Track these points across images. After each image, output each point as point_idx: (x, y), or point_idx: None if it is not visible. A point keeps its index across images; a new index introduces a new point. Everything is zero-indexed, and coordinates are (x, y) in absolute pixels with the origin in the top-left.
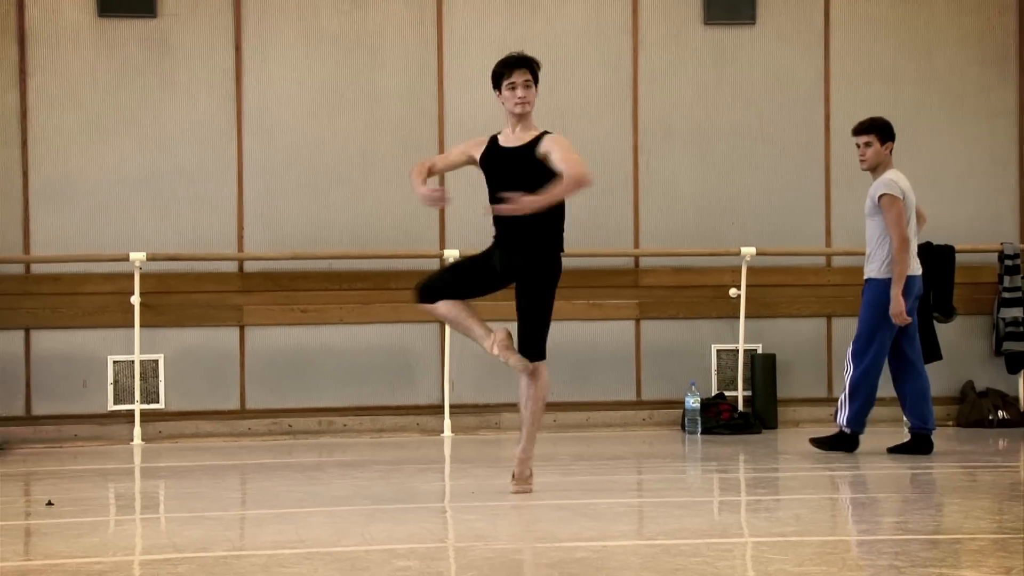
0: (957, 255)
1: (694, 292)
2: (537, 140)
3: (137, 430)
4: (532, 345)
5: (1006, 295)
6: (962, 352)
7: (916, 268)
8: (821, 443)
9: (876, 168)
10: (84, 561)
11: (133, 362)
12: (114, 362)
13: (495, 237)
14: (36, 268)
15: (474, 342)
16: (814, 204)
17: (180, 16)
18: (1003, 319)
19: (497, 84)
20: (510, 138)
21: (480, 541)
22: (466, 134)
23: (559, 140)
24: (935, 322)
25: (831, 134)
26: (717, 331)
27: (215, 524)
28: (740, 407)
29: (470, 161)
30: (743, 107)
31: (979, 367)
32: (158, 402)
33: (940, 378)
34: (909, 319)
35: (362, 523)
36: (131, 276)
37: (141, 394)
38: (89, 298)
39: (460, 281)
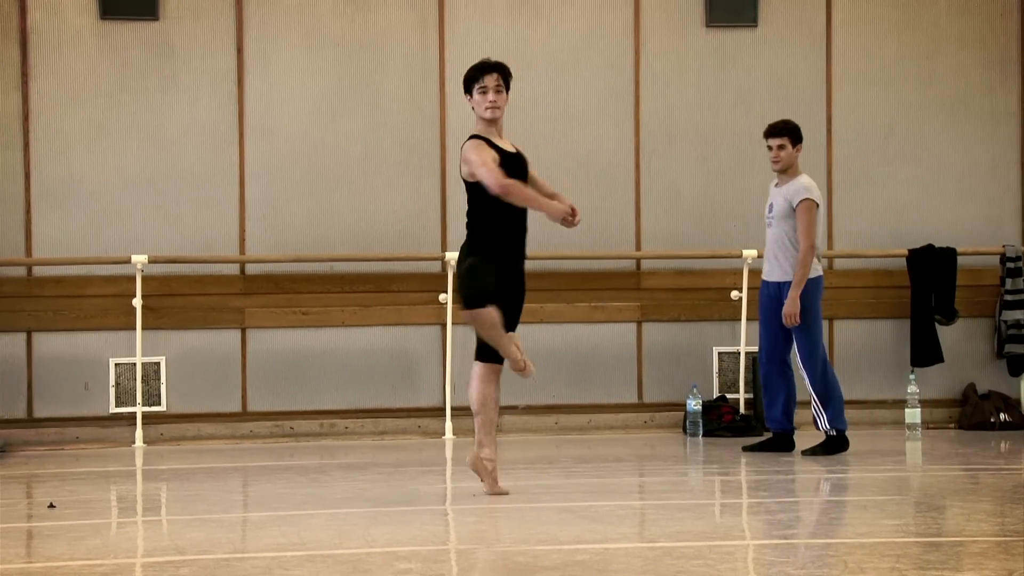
0: (959, 257)
1: (696, 294)
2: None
3: (139, 432)
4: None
5: (1008, 298)
6: (964, 354)
7: (820, 269)
8: (815, 451)
9: (787, 170)
10: (86, 563)
11: (135, 364)
12: (116, 364)
13: (509, 247)
14: (38, 271)
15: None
16: None
17: (182, 19)
18: (1005, 322)
19: (468, 88)
20: (505, 144)
21: (482, 543)
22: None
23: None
24: (936, 324)
25: (833, 136)
26: (719, 333)
27: (217, 526)
28: (742, 409)
29: None
30: (745, 109)
31: (981, 370)
32: (160, 404)
33: (942, 380)
34: (799, 321)
35: (364, 525)
36: (133, 279)
37: (143, 396)
38: (91, 300)
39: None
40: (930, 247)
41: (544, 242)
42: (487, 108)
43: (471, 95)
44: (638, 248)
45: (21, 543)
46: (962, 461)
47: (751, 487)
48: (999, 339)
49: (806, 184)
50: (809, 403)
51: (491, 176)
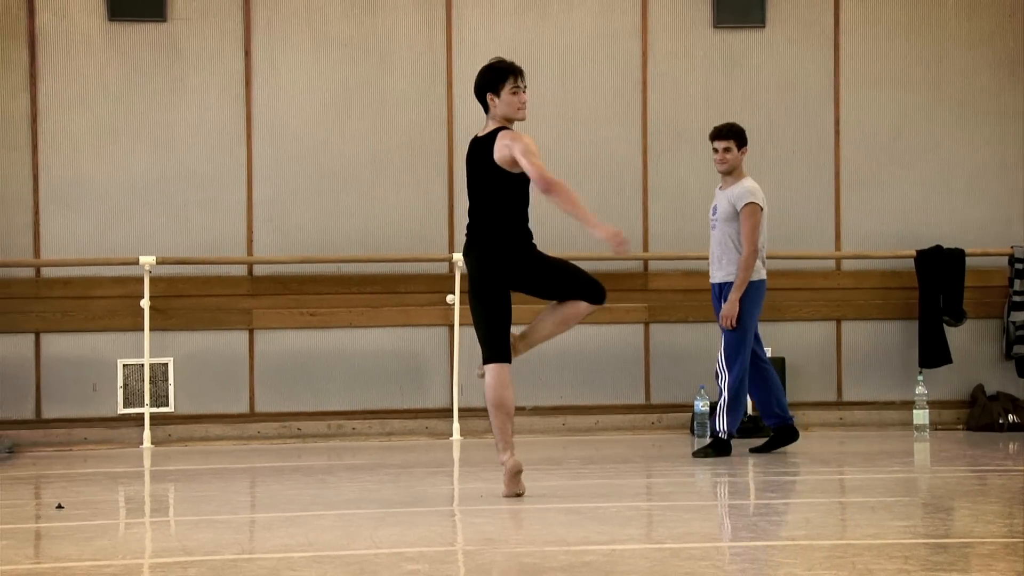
0: (967, 259)
1: (703, 296)
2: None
3: (147, 433)
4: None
5: (1016, 299)
6: (972, 356)
7: (763, 272)
8: (706, 452)
9: (731, 172)
10: (94, 564)
11: (143, 365)
12: (124, 366)
13: (526, 243)
14: (46, 272)
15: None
16: (824, 207)
17: (190, 20)
18: (1013, 323)
19: (495, 87)
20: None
21: (489, 545)
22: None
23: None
24: (945, 326)
25: (841, 137)
26: None
27: (225, 527)
28: (749, 410)
29: None
30: (752, 110)
31: (989, 371)
32: (168, 405)
33: (950, 382)
34: (735, 325)
35: (371, 526)
36: (141, 280)
37: (151, 397)
38: (99, 302)
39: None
40: (938, 248)
41: (550, 243)
42: (519, 108)
43: (497, 94)
44: (645, 249)
45: (29, 544)
46: (970, 462)
47: (759, 488)
48: (1007, 340)
49: (750, 187)
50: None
51: (540, 169)
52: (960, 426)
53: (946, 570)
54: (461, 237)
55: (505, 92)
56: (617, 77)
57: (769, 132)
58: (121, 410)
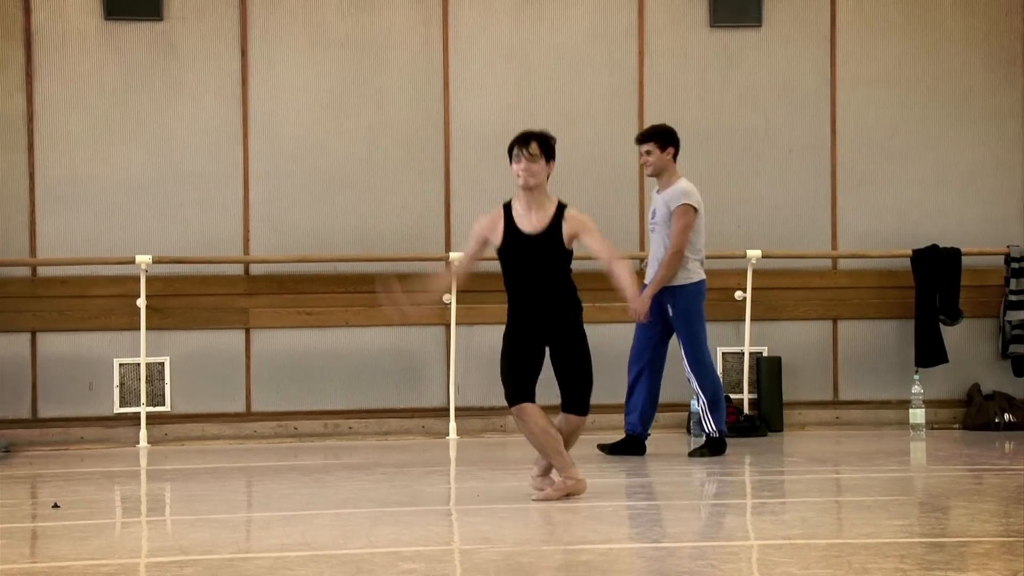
0: (963, 258)
1: None
2: (558, 220)
3: (143, 433)
4: (584, 399)
5: (1012, 298)
6: (968, 355)
7: (702, 273)
8: (701, 452)
9: (661, 174)
10: (90, 563)
11: (139, 365)
12: (120, 365)
13: (528, 312)
14: (42, 271)
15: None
16: (820, 207)
17: (186, 20)
18: (1009, 322)
19: (511, 161)
20: (529, 220)
21: (486, 544)
22: (472, 138)
23: (585, 222)
24: (941, 325)
25: (837, 136)
26: (723, 334)
27: (221, 527)
28: (746, 410)
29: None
30: (749, 110)
31: (985, 370)
32: (164, 405)
33: (946, 381)
34: (645, 320)
35: (368, 526)
36: (137, 279)
37: (147, 397)
38: (95, 301)
39: (531, 366)
40: (934, 247)
41: None
42: (518, 176)
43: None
44: (642, 248)
45: (25, 543)
46: (966, 461)
47: (755, 487)
48: (1003, 339)
49: (683, 189)
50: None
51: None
52: (956, 425)
53: (942, 569)
54: (457, 236)
55: (513, 161)
56: (614, 76)
57: (765, 131)
58: (117, 409)
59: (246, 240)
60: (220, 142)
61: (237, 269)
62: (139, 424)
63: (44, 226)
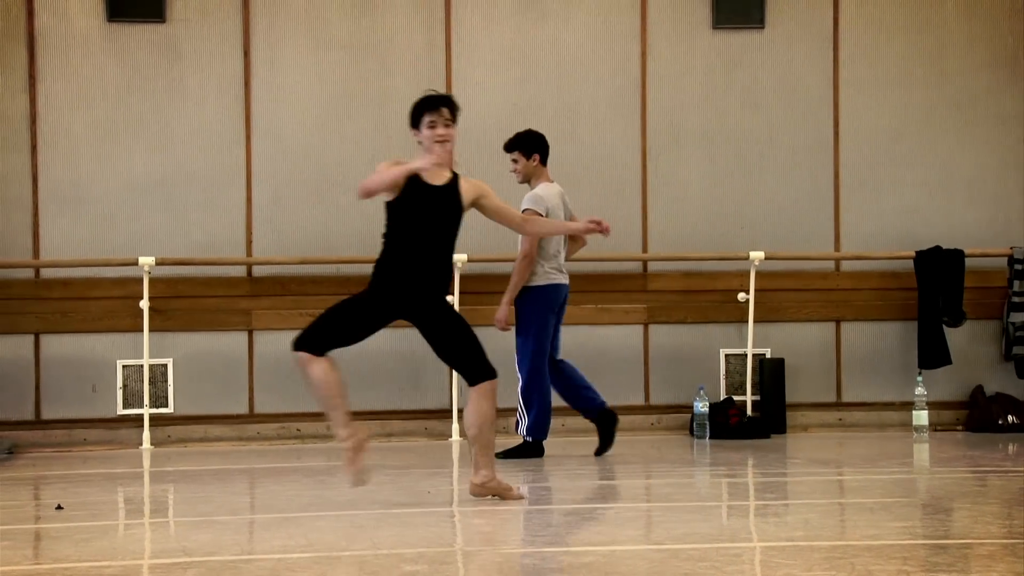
0: (966, 259)
1: (703, 296)
2: (456, 179)
3: (146, 434)
4: (482, 364)
5: (1016, 300)
6: (971, 357)
7: (563, 278)
8: (509, 454)
9: (530, 180)
10: (93, 565)
11: (142, 366)
12: (123, 366)
13: (403, 275)
14: (46, 273)
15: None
16: (823, 208)
17: (189, 21)
18: (1013, 324)
19: (415, 121)
20: (432, 175)
21: (488, 545)
22: (475, 139)
23: (485, 186)
24: (944, 327)
25: (840, 138)
26: (726, 335)
27: (224, 528)
28: (749, 411)
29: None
30: (752, 111)
31: (988, 372)
32: (167, 406)
33: (949, 383)
34: (508, 328)
35: (371, 527)
36: (140, 281)
37: (150, 398)
38: (98, 303)
39: (346, 327)
40: (937, 249)
41: None
42: (436, 142)
43: (417, 128)
44: (644, 250)
45: (28, 545)
46: (970, 463)
47: (758, 489)
48: (1007, 341)
49: (534, 194)
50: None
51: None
52: (959, 427)
53: (945, 571)
54: (461, 237)
55: (423, 126)
56: (616, 78)
57: (768, 133)
58: (120, 411)
59: (249, 242)
60: (223, 144)
61: (240, 271)
62: (142, 426)
63: (47, 228)
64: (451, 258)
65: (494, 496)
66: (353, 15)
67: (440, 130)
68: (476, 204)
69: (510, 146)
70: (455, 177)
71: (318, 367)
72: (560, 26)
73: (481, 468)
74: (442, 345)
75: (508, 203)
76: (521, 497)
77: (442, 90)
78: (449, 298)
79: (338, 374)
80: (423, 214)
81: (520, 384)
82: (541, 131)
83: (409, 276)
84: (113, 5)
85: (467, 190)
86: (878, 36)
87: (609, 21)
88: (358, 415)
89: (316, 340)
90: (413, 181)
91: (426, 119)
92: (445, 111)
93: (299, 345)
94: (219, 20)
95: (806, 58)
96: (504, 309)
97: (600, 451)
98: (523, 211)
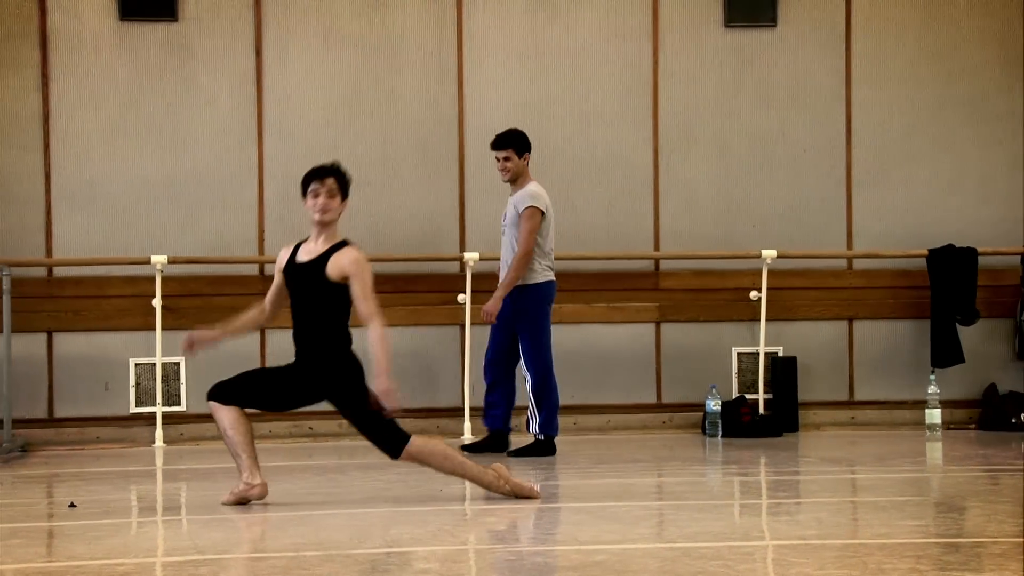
0: (979, 258)
1: (714, 295)
2: (329, 252)
3: (159, 432)
4: (390, 439)
5: None
6: (984, 355)
7: (550, 275)
8: (522, 452)
9: (517, 179)
10: (106, 563)
11: (155, 365)
12: (136, 365)
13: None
14: (58, 271)
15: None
16: (835, 207)
17: (201, 20)
18: None
19: (303, 195)
20: (308, 250)
21: (500, 543)
22: (486, 137)
23: (358, 264)
24: (957, 325)
25: (852, 136)
26: (738, 334)
27: (236, 526)
28: (761, 410)
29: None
30: (764, 110)
31: (1001, 370)
32: (179, 405)
33: (962, 382)
34: (494, 321)
35: (383, 525)
36: (153, 279)
37: (163, 396)
38: (111, 301)
39: (259, 389)
40: (950, 247)
41: (562, 242)
42: (317, 212)
43: (305, 201)
44: (656, 248)
45: (42, 542)
46: (982, 462)
47: (770, 488)
48: (1020, 340)
49: (532, 191)
50: (526, 406)
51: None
52: (972, 425)
53: (958, 570)
54: (473, 236)
55: (308, 199)
56: (628, 76)
57: (780, 131)
58: (133, 409)
59: (261, 240)
60: (235, 142)
61: (252, 269)
62: (155, 424)
63: (60, 226)
64: (322, 328)
65: (511, 495)
66: (365, 13)
67: (321, 200)
68: (346, 279)
69: (502, 144)
70: (332, 249)
71: (228, 414)
72: (571, 24)
73: (483, 483)
74: (354, 421)
75: (367, 292)
76: (536, 495)
77: (453, 88)
78: (461, 298)
79: (247, 424)
80: (291, 292)
81: (530, 383)
82: (553, 130)
83: (297, 352)
84: (125, 4)
85: (333, 265)
86: (890, 34)
87: (620, 19)
88: None
89: (222, 387)
90: (291, 258)
91: (310, 191)
92: (329, 181)
93: (209, 395)
94: (231, 19)
95: (818, 56)
96: (496, 303)
97: (467, 445)
98: (525, 208)
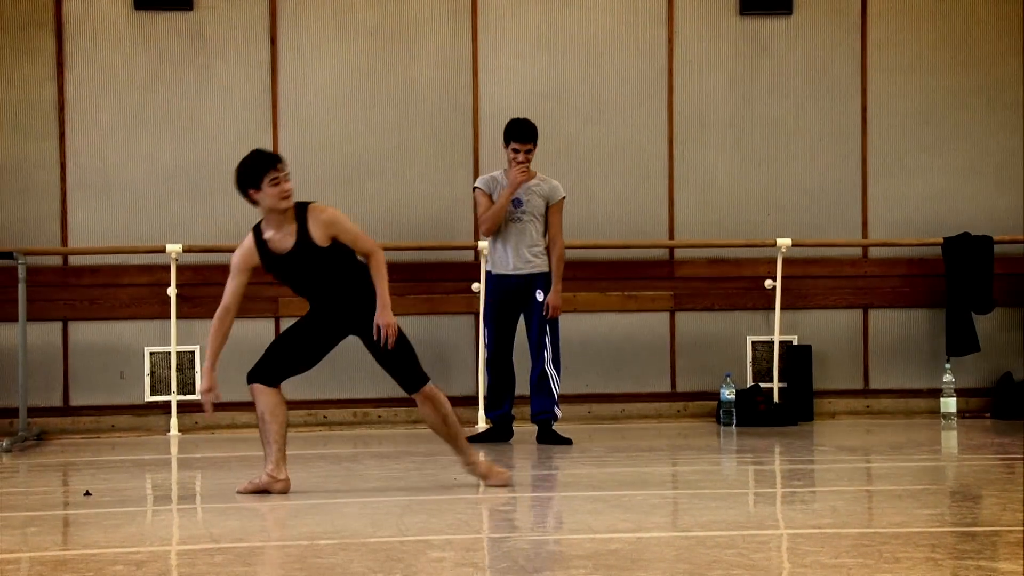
0: (995, 246)
1: (729, 284)
2: (304, 228)
3: (174, 421)
4: (411, 374)
5: None
6: (1000, 344)
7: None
8: (556, 439)
9: (528, 169)
10: (122, 551)
11: (170, 353)
12: (151, 353)
13: (322, 310)
14: (74, 260)
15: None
16: (850, 195)
17: (216, 9)
18: None
19: (256, 182)
20: (281, 240)
21: (515, 532)
22: (501, 126)
23: (334, 217)
24: (972, 314)
25: (868, 125)
26: (752, 323)
27: (251, 515)
28: (775, 399)
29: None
30: (779, 98)
31: (1017, 359)
32: (194, 393)
33: (978, 370)
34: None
35: (397, 514)
36: (168, 268)
37: (177, 385)
38: (126, 290)
39: (290, 351)
40: (966, 235)
41: (577, 231)
42: (283, 198)
43: (259, 188)
44: (671, 237)
45: (57, 530)
46: (998, 450)
47: (785, 476)
48: None
49: (558, 184)
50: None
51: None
52: (987, 414)
53: (974, 558)
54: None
55: (266, 184)
56: (643, 64)
57: (796, 119)
58: (148, 398)
59: None
60: (249, 131)
61: None
62: (170, 412)
63: (75, 215)
64: (347, 279)
65: (483, 478)
66: (379, 2)
67: (284, 185)
68: (333, 237)
69: (533, 136)
70: (301, 224)
71: (268, 399)
72: (587, 12)
73: (460, 456)
74: (377, 353)
75: (355, 235)
76: (507, 482)
77: (468, 77)
78: (475, 286)
79: (284, 415)
80: (290, 279)
81: (551, 357)
82: (568, 119)
83: (317, 310)
84: None
85: (317, 234)
86: (906, 21)
87: (636, 7)
88: (384, 401)
89: (262, 369)
90: (264, 253)
91: (268, 178)
92: (284, 165)
93: (250, 378)
94: (246, 7)
95: (833, 44)
96: (560, 296)
97: (472, 437)
98: (562, 198)
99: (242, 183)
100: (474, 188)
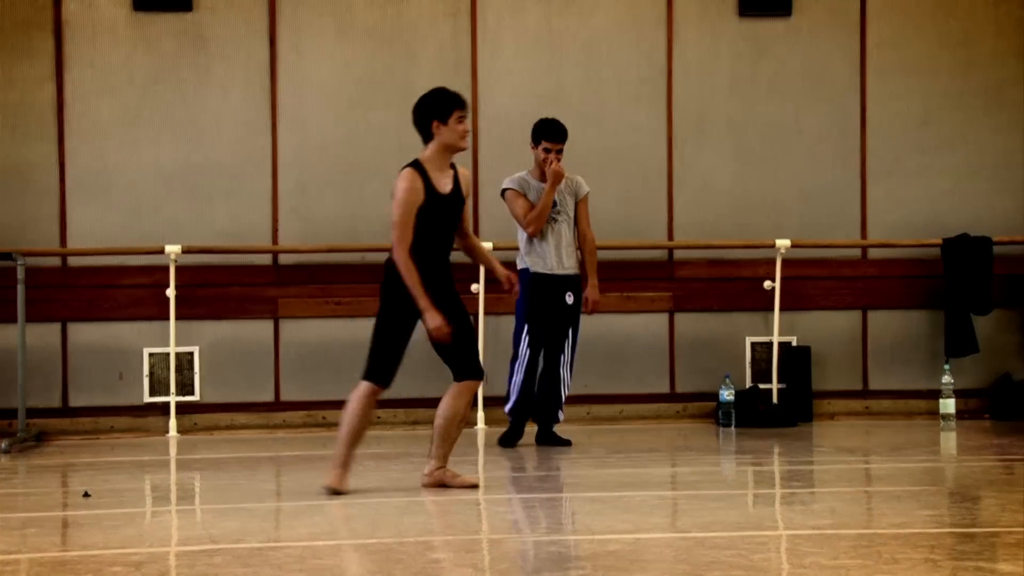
0: (994, 247)
1: (728, 284)
2: (456, 175)
3: (173, 422)
4: (474, 363)
5: None
6: (998, 345)
7: None
8: (556, 440)
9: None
10: (121, 552)
11: (169, 354)
12: (150, 354)
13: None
14: (73, 261)
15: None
16: (849, 196)
17: (215, 10)
18: None
19: (443, 114)
20: (441, 182)
21: (514, 533)
22: (500, 128)
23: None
24: (971, 315)
25: (867, 126)
26: (752, 324)
27: (250, 516)
28: (775, 400)
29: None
30: (778, 99)
31: (1016, 360)
32: (193, 394)
33: (976, 371)
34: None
35: (396, 515)
36: (167, 269)
37: (176, 386)
38: (125, 291)
39: (402, 351)
40: (965, 237)
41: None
42: (464, 137)
43: (444, 121)
44: (670, 238)
45: (56, 532)
46: (997, 452)
47: (784, 477)
48: None
49: (580, 178)
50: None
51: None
52: (986, 415)
53: (973, 559)
54: (485, 226)
55: (453, 120)
56: (642, 66)
57: (795, 121)
58: (147, 399)
59: (275, 230)
60: (249, 132)
61: (266, 259)
62: (169, 413)
63: (74, 216)
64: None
65: (442, 486)
66: (379, 3)
67: (467, 126)
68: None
69: (564, 136)
70: (456, 176)
71: (369, 404)
72: (586, 14)
73: (433, 458)
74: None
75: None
76: (474, 484)
77: (467, 78)
78: (475, 287)
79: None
80: (441, 223)
81: (568, 360)
82: (567, 120)
83: (433, 284)
84: None
85: (464, 186)
86: (905, 23)
87: (635, 9)
88: (383, 402)
89: (387, 371)
90: (429, 191)
91: (456, 114)
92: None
93: (370, 376)
94: (245, 9)
95: (833, 45)
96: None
97: (504, 439)
98: (587, 193)
99: (429, 113)
100: (505, 190)
